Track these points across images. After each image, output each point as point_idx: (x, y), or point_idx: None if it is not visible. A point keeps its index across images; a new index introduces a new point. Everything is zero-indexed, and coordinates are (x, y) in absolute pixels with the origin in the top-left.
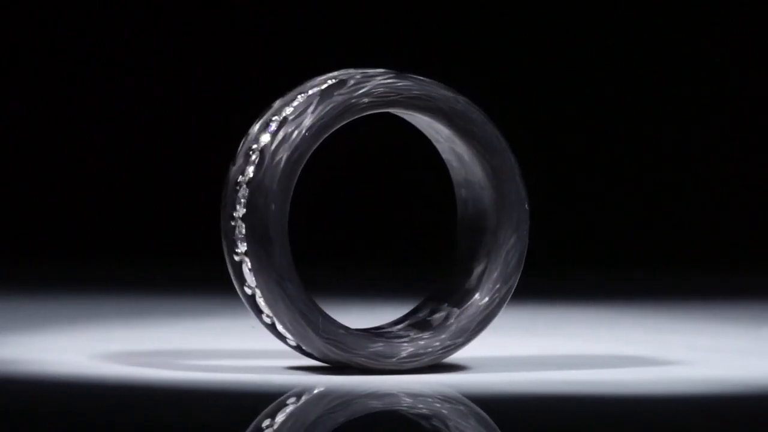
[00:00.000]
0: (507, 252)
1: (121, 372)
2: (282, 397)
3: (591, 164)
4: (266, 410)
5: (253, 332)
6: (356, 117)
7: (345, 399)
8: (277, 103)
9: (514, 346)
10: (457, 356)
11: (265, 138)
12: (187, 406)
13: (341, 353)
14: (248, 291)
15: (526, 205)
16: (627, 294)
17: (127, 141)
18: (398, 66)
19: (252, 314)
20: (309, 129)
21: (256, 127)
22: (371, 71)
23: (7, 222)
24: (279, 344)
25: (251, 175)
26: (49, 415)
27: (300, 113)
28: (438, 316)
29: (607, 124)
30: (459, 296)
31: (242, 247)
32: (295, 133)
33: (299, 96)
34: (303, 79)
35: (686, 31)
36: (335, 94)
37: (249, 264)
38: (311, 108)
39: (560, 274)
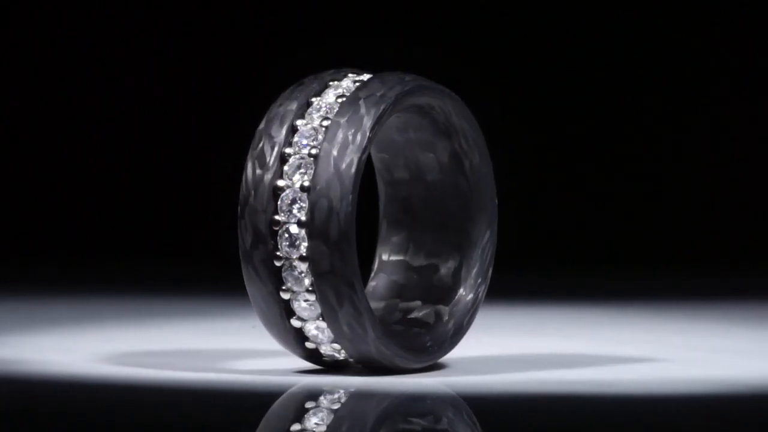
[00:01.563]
0: (483, 247)
1: (121, 372)
2: (291, 397)
3: (590, 164)
4: (294, 414)
5: (253, 332)
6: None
7: (394, 399)
8: (294, 107)
9: (513, 347)
10: (455, 356)
11: (311, 142)
12: (188, 406)
13: (388, 353)
14: (284, 295)
15: (496, 200)
16: (627, 294)
17: (127, 141)
18: (400, 66)
19: (253, 317)
20: (372, 129)
21: (282, 131)
22: (359, 72)
23: (7, 222)
24: (277, 344)
25: (307, 179)
26: (49, 415)
27: (352, 115)
28: (424, 314)
29: (606, 124)
30: (435, 292)
31: (294, 252)
32: (359, 135)
33: (314, 100)
34: (295, 79)
35: (686, 31)
36: (378, 94)
37: (304, 267)
38: (362, 109)
39: (559, 274)
